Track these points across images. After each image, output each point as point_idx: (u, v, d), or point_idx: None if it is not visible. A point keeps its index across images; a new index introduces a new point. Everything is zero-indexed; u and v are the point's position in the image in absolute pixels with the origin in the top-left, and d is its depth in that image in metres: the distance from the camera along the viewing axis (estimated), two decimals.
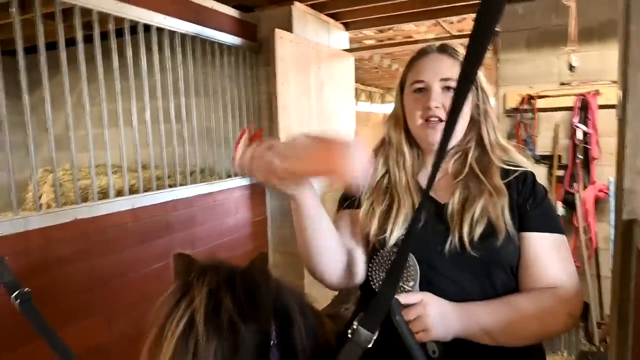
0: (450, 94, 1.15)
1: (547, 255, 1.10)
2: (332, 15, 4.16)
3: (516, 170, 1.16)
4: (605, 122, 3.15)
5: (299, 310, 1.14)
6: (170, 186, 2.88)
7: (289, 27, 3.51)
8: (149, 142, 2.73)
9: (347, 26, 4.48)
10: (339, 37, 4.42)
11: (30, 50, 2.14)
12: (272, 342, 1.04)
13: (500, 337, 1.03)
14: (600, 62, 3.21)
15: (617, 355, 1.43)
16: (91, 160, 2.37)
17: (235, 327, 0.96)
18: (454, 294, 1.05)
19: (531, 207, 1.12)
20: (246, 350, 0.98)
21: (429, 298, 1.00)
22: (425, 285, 1.06)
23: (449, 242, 1.09)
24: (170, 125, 2.90)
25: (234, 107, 3.42)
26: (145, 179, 2.89)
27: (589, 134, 3.20)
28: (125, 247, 2.47)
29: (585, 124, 3.20)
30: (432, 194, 1.19)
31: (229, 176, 3.42)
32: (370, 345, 0.85)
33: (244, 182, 3.45)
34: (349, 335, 0.86)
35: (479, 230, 1.07)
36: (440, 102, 1.16)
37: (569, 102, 3.26)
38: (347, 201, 1.29)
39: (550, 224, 1.12)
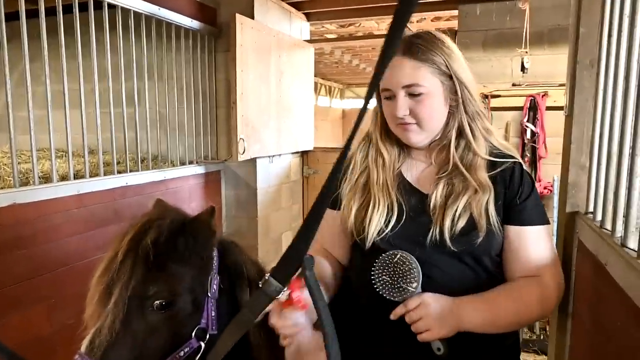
0: (419, 98, 1.12)
1: (533, 247, 1.12)
2: (294, 5, 4.12)
3: (503, 162, 1.15)
4: (553, 123, 3.31)
5: (252, 274, 1.20)
6: (119, 172, 2.75)
7: (250, 14, 3.44)
8: (97, 126, 2.59)
9: (309, 17, 4.45)
10: (301, 27, 4.39)
11: None
12: (209, 293, 1.13)
13: (498, 328, 1.08)
14: (549, 66, 3.36)
15: (556, 342, 1.50)
16: (32, 142, 2.21)
17: (151, 259, 1.06)
18: (440, 280, 1.08)
19: (520, 201, 1.13)
20: (167, 286, 1.07)
21: (428, 298, 1.02)
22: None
23: (430, 234, 1.10)
24: (121, 110, 2.76)
25: (190, 92, 3.31)
26: (92, 164, 2.75)
27: (537, 133, 3.36)
28: (70, 234, 2.34)
29: (534, 124, 3.35)
30: (415, 184, 1.20)
31: (182, 164, 3.31)
32: (280, 297, 0.88)
33: (198, 169, 3.36)
34: (260, 285, 0.89)
35: (460, 225, 1.08)
36: (406, 109, 1.13)
37: (520, 102, 3.40)
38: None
39: (537, 217, 1.14)
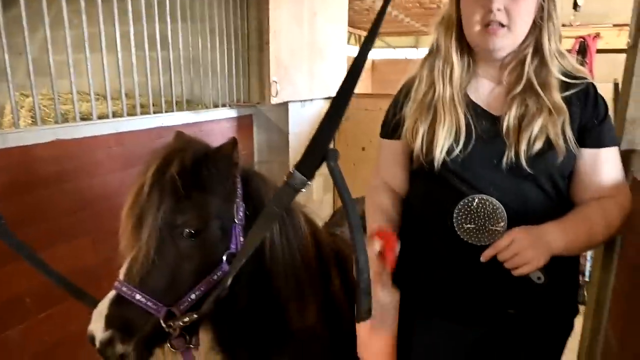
0: None
1: (607, 169, 1.11)
2: None
3: (576, 84, 1.11)
4: (602, 68, 3.11)
5: (268, 192, 1.26)
6: (154, 113, 2.78)
7: None
8: (133, 70, 2.59)
9: None
10: None
11: None
12: (235, 219, 1.17)
13: (580, 249, 1.11)
14: (603, 4, 3.12)
15: (599, 281, 1.47)
16: (72, 85, 2.24)
17: (177, 189, 1.09)
18: (515, 206, 1.07)
19: (596, 122, 1.10)
20: (194, 214, 1.12)
21: (519, 233, 1.02)
22: (472, 190, 1.08)
23: (505, 157, 1.08)
24: (155, 53, 2.75)
25: (222, 34, 3.24)
26: (129, 106, 2.77)
27: None
28: (110, 171, 2.41)
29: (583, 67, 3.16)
30: (485, 106, 1.15)
31: (215, 106, 3.31)
32: (304, 190, 0.91)
33: (231, 113, 3.35)
34: (285, 179, 0.91)
35: (536, 147, 1.06)
36: (502, 4, 1.06)
37: (568, 44, 3.19)
38: (389, 127, 1.27)
39: (611, 138, 1.12)
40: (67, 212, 2.22)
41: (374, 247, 1.10)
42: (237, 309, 1.22)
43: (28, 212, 2.03)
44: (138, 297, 1.06)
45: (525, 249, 1.00)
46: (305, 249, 1.31)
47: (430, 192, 1.14)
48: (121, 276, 1.10)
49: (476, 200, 1.05)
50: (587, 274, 3.24)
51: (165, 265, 1.10)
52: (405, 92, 1.23)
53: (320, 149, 0.89)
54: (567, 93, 1.09)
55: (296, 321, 1.28)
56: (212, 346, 1.35)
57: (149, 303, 1.07)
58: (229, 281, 1.12)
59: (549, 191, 1.11)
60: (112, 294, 1.10)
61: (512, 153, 1.07)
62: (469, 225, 1.06)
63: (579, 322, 1.33)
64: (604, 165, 1.11)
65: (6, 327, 2.04)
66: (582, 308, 1.45)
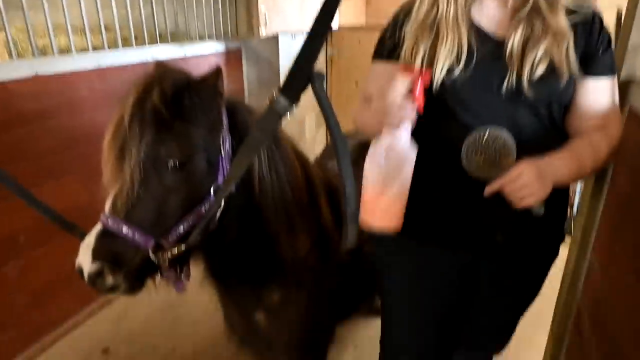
0: None
1: (604, 98, 1.10)
2: None
3: (582, 12, 1.07)
4: None
5: (253, 123, 1.21)
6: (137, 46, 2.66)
7: None
8: (112, 1, 2.44)
9: None
10: None
11: None
12: (222, 151, 1.15)
13: (579, 177, 1.12)
14: None
15: (588, 208, 1.49)
16: (46, 16, 2.12)
17: (160, 119, 1.06)
18: (511, 133, 1.04)
19: (600, 52, 1.07)
20: (178, 145, 1.08)
21: (526, 167, 1.01)
22: (479, 123, 1.05)
23: (506, 81, 1.05)
24: None
25: None
26: (110, 39, 2.64)
27: None
28: (94, 108, 2.34)
29: None
30: (488, 30, 1.11)
31: (201, 39, 3.17)
32: (288, 115, 0.88)
33: (219, 47, 3.22)
34: (268, 103, 0.88)
35: (539, 71, 1.03)
36: None
37: None
38: (385, 48, 1.19)
39: (611, 68, 1.10)
40: (53, 151, 2.18)
41: (400, 86, 0.99)
42: (227, 241, 1.23)
43: (10, 151, 1.99)
44: (125, 230, 1.06)
45: (532, 182, 1.00)
46: (295, 182, 1.30)
47: (425, 117, 1.09)
48: (106, 209, 1.09)
49: (487, 132, 1.02)
50: (575, 207, 3.32)
51: (151, 198, 1.08)
52: (405, 12, 1.16)
53: (305, 70, 0.84)
54: (573, 20, 1.06)
55: (287, 252, 1.30)
56: (205, 277, 1.37)
57: (136, 236, 1.06)
58: (218, 213, 1.11)
59: (544, 120, 1.09)
60: (98, 227, 1.08)
61: (514, 77, 1.04)
62: (478, 158, 1.03)
63: (563, 251, 1.36)
64: (601, 95, 1.10)
65: (3, 263, 2.07)
66: (567, 239, 1.48)
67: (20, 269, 2.14)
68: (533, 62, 1.03)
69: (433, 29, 1.10)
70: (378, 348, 1.52)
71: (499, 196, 1.07)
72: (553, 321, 1.90)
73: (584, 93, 1.09)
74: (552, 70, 1.04)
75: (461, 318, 1.38)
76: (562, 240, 1.26)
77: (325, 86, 0.88)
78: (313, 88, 0.87)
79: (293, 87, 0.85)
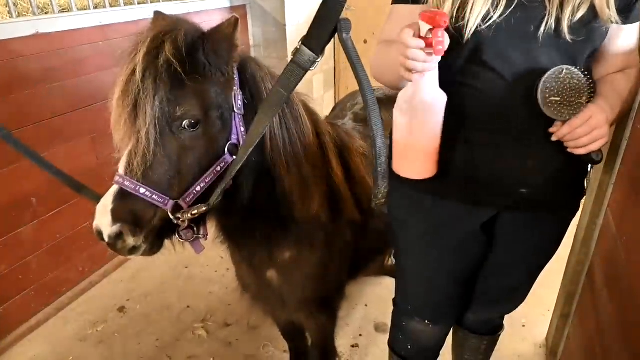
0: None
1: (630, 43, 1.06)
2: None
3: None
4: None
5: (264, 78, 1.17)
6: (139, 4, 2.57)
7: None
8: None
9: None
10: None
11: None
12: (235, 109, 1.10)
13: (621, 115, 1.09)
14: None
15: (610, 150, 1.45)
16: None
17: (174, 74, 1.00)
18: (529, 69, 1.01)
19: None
20: (194, 103, 1.04)
21: (595, 109, 0.99)
22: (513, 70, 1.01)
23: (544, 24, 0.97)
24: None
25: None
26: None
27: None
28: (99, 68, 2.29)
29: None
30: None
31: None
32: (313, 68, 0.83)
33: (223, 2, 3.12)
34: (291, 56, 0.83)
35: (580, 13, 0.96)
36: None
37: None
38: None
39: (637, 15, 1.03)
40: (58, 111, 2.15)
41: (418, 29, 0.90)
42: (240, 199, 1.21)
43: (15, 113, 1.97)
44: (142, 190, 1.03)
45: (602, 125, 0.98)
46: (307, 139, 1.27)
47: (453, 64, 1.02)
48: (121, 170, 1.05)
49: (564, 71, 0.98)
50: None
51: (167, 158, 1.04)
52: None
53: (331, 19, 0.79)
54: None
55: (300, 210, 1.28)
56: (217, 235, 1.37)
57: (154, 196, 1.03)
58: (235, 171, 1.07)
59: (580, 66, 1.02)
60: (114, 188, 1.05)
61: (553, 19, 0.97)
62: (554, 98, 1.00)
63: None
64: (628, 40, 1.05)
65: (18, 226, 2.10)
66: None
67: (34, 230, 2.17)
68: (574, 5, 0.96)
69: None
70: (388, 307, 1.53)
71: (529, 147, 1.05)
72: (564, 278, 1.91)
73: (614, 38, 1.04)
74: (593, 14, 0.97)
75: (477, 276, 1.36)
76: (582, 195, 1.23)
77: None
78: (340, 38, 0.81)
79: (317, 38, 0.80)
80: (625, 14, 1.01)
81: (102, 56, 2.30)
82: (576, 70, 0.98)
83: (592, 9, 0.97)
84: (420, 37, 0.88)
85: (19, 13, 2.10)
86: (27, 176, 2.03)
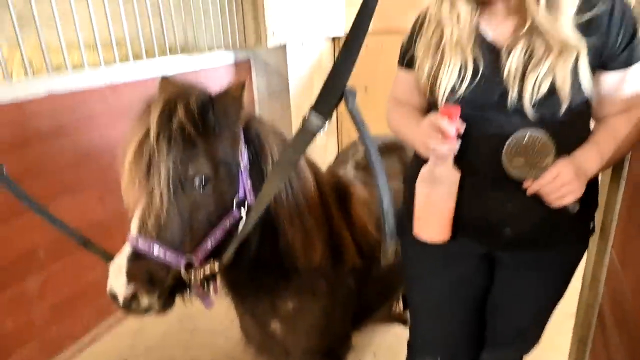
0: None
1: (633, 85, 1.05)
2: None
3: (600, 5, 0.99)
4: None
5: (275, 145, 1.22)
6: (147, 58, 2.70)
7: None
8: (122, 16, 2.49)
9: None
10: None
11: None
12: (241, 165, 1.15)
13: (607, 166, 1.11)
14: None
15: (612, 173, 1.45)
16: (59, 34, 2.17)
17: (187, 136, 1.05)
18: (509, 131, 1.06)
19: (620, 45, 1.00)
20: (205, 161, 1.08)
21: (562, 166, 1.02)
22: (486, 136, 1.08)
23: (509, 98, 1.04)
24: None
25: None
26: (121, 55, 2.69)
27: None
28: (109, 123, 2.38)
29: None
30: (493, 40, 1.09)
31: (210, 50, 3.20)
32: (322, 133, 0.88)
33: (228, 59, 3.25)
34: (301, 122, 0.88)
35: (542, 91, 1.01)
36: None
37: None
38: (404, 57, 1.26)
39: (637, 56, 1.03)
40: (69, 166, 2.22)
41: (440, 122, 1.05)
42: (247, 253, 1.22)
43: (27, 168, 2.04)
44: (156, 250, 1.04)
45: (570, 181, 1.01)
46: (308, 191, 1.30)
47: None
48: (134, 230, 1.06)
49: (527, 134, 1.03)
50: None
51: (178, 216, 1.06)
52: (419, 24, 1.19)
53: (338, 86, 0.84)
54: (590, 14, 0.98)
55: (302, 261, 1.29)
56: (221, 287, 1.37)
57: (167, 255, 1.04)
58: (247, 230, 1.08)
59: (558, 130, 1.05)
60: (127, 248, 1.06)
61: (515, 95, 1.03)
62: (518, 161, 1.05)
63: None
64: (630, 83, 1.05)
65: (23, 278, 2.11)
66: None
67: (40, 283, 2.17)
68: (535, 83, 1.00)
69: (438, 51, 1.11)
70: (397, 356, 1.51)
71: (506, 192, 1.10)
72: (576, 322, 1.85)
73: (610, 86, 1.05)
74: (554, 89, 1.00)
75: (488, 314, 1.37)
76: (585, 235, 1.24)
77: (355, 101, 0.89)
78: (347, 105, 0.86)
79: (326, 104, 0.85)
80: (609, 65, 1.03)
81: (112, 111, 2.40)
82: (540, 133, 1.02)
83: (555, 87, 1.00)
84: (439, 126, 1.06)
85: (33, 71, 2.22)
86: (36, 228, 2.06)
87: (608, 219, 1.43)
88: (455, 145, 1.07)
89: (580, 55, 0.99)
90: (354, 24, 0.81)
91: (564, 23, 0.97)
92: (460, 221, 1.18)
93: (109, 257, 1.11)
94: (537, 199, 1.08)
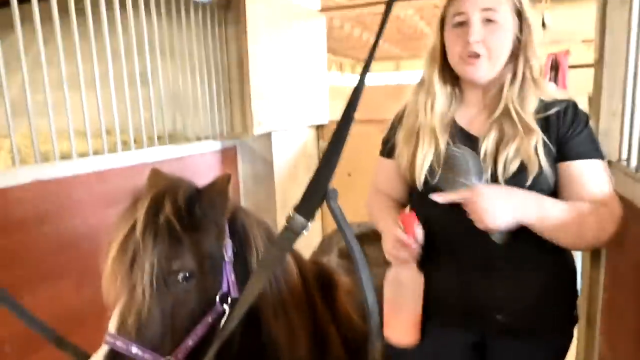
0: (493, 27, 1.13)
1: (593, 180, 1.11)
2: None
3: (558, 104, 1.15)
4: (575, 82, 3.20)
5: (260, 236, 1.23)
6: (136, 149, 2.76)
7: None
8: (113, 106, 2.59)
9: None
10: None
11: None
12: (225, 258, 1.14)
13: (558, 232, 1.08)
14: (571, 22, 3.23)
15: (588, 288, 1.46)
16: (51, 124, 2.24)
17: (173, 231, 1.04)
18: None
19: (573, 135, 1.13)
20: (190, 257, 1.06)
21: (481, 190, 1.06)
22: (456, 213, 1.11)
23: (483, 179, 1.14)
24: (135, 89, 2.76)
25: (202, 68, 3.28)
26: (110, 143, 2.75)
27: None
28: (92, 210, 2.36)
29: (556, 82, 3.24)
30: (467, 128, 1.22)
31: (198, 140, 3.30)
32: (305, 232, 0.91)
33: (214, 146, 3.35)
34: (285, 223, 0.91)
35: (512, 169, 1.11)
36: (480, 36, 1.13)
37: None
38: (387, 145, 1.36)
39: (591, 150, 1.13)
40: (48, 255, 2.16)
41: (396, 231, 1.15)
42: (229, 350, 1.17)
43: (7, 256, 1.98)
44: (135, 350, 0.99)
45: (478, 208, 1.04)
46: (292, 283, 1.29)
47: (419, 206, 1.21)
48: (112, 329, 1.02)
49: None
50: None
51: (160, 313, 1.03)
52: (399, 118, 1.32)
53: (320, 189, 0.89)
54: (548, 113, 1.14)
55: (287, 356, 1.25)
56: None
57: (146, 356, 1.00)
58: (229, 330, 1.05)
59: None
60: (104, 349, 1.00)
61: (489, 175, 1.13)
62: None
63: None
64: (589, 177, 1.12)
65: None
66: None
67: None
68: (505, 161, 1.11)
69: (415, 137, 1.23)
70: None
71: (492, 277, 1.13)
72: None
73: (569, 177, 1.14)
74: (523, 167, 1.12)
75: None
76: (572, 322, 1.24)
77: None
78: (329, 205, 0.91)
79: (309, 205, 0.89)
80: (565, 153, 1.13)
81: (96, 198, 2.39)
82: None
83: (523, 165, 1.12)
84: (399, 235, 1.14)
85: (21, 159, 2.24)
86: (2, 320, 1.95)
87: (593, 309, 1.44)
88: (415, 251, 1.13)
89: (538, 142, 1.11)
90: (333, 135, 0.89)
91: (529, 109, 1.14)
92: (449, 310, 1.19)
93: (83, 356, 1.06)
94: (526, 284, 1.12)
